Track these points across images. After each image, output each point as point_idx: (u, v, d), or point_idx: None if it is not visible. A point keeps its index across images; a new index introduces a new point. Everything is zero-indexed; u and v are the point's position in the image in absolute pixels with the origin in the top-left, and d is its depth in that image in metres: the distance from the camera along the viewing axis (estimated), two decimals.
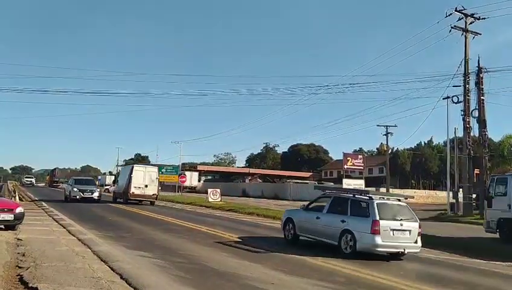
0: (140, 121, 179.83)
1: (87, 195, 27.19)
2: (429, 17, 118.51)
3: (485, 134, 24.93)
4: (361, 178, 48.42)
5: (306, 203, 12.97)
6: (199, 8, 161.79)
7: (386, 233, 10.05)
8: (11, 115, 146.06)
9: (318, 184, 40.28)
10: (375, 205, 10.32)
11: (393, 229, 10.17)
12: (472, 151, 26.05)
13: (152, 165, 39.45)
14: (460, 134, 27.32)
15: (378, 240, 9.92)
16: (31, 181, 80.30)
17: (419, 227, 10.56)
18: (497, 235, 15.13)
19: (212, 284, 6.80)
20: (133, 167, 29.79)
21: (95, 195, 27.73)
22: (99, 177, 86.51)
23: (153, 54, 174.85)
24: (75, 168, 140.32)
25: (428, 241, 12.13)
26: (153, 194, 28.47)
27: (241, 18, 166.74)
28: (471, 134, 25.93)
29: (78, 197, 26.85)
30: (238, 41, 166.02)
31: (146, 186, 27.88)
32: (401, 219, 10.39)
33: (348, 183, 45.95)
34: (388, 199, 11.10)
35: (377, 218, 10.02)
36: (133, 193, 27.37)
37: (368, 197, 10.76)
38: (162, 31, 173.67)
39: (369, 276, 7.90)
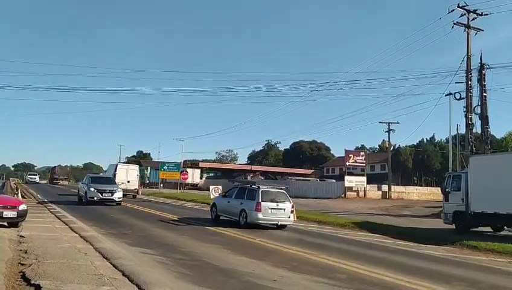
0: (142, 119, 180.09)
1: (106, 196, 22.70)
2: (432, 13, 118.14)
3: (488, 131, 24.86)
4: (363, 175, 48.34)
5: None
6: (199, 7, 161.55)
7: (266, 211, 14.63)
8: (13, 112, 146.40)
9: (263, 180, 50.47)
10: (260, 192, 14.93)
11: (271, 208, 14.76)
12: (474, 148, 25.96)
13: (133, 163, 46.21)
14: (462, 131, 27.23)
15: (260, 215, 14.55)
16: (35, 179, 76.03)
17: (292, 207, 15.27)
18: (453, 227, 16.71)
19: (214, 281, 6.82)
20: (117, 165, 34.04)
21: (116, 196, 23.10)
22: (101, 174, 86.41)
23: (154, 52, 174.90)
24: (77, 166, 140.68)
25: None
26: (134, 189, 32.67)
27: (242, 16, 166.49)
28: (474, 131, 25.84)
29: (96, 198, 22.49)
30: (240, 39, 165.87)
31: (128, 181, 31.74)
32: (277, 201, 14.93)
33: (349, 180, 45.95)
34: (271, 188, 15.98)
35: (260, 201, 14.59)
36: None
37: (256, 187, 15.57)
38: (163, 30, 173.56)
39: (369, 273, 7.90)
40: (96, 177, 26.71)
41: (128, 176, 32.00)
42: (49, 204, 22.58)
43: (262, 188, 15.53)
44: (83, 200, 23.36)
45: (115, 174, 31.26)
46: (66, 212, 17.89)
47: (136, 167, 36.31)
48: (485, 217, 15.53)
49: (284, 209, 14.96)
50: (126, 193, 29.56)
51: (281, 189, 16.20)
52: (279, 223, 15.04)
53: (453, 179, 17.72)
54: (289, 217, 15.05)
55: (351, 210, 26.89)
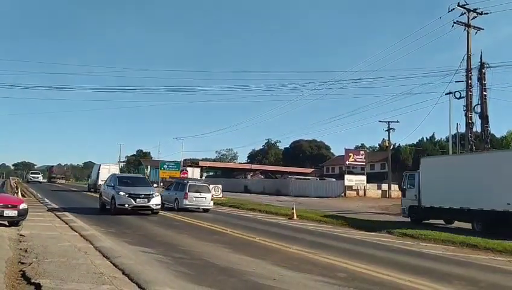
0: (142, 117, 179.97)
1: (141, 203, 17.66)
2: (432, 12, 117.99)
3: (488, 130, 24.84)
4: (363, 174, 48.35)
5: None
6: (200, 5, 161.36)
7: (192, 199, 20.70)
8: (13, 111, 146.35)
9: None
10: (188, 185, 21.10)
11: (196, 197, 20.79)
12: (474, 147, 25.96)
13: (113, 163, 53.05)
14: (462, 130, 27.23)
15: (187, 202, 20.62)
16: (38, 178, 70.14)
17: (212, 196, 21.91)
18: (409, 219, 19.05)
19: (214, 280, 6.81)
20: (100, 165, 39.25)
21: (154, 203, 17.96)
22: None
23: (155, 51, 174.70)
24: (78, 164, 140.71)
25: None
26: None
27: (243, 15, 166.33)
28: (474, 130, 25.82)
29: (127, 206, 17.39)
30: (240, 38, 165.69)
31: None
32: (200, 192, 21.07)
33: (349, 179, 45.95)
34: (197, 182, 22.83)
35: (187, 191, 20.74)
36: (99, 185, 31.66)
37: (186, 181, 21.96)
38: (164, 28, 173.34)
39: (369, 272, 7.90)
40: (124, 177, 21.15)
41: (101, 176, 37.03)
42: (48, 202, 22.58)
43: (190, 182, 21.91)
44: (108, 207, 18.44)
45: (98, 173, 37.65)
46: (66, 211, 17.88)
47: (117, 167, 44.24)
48: (433, 211, 17.89)
49: (205, 198, 21.19)
50: None
51: (205, 183, 23.37)
52: (201, 208, 21.13)
53: (409, 177, 19.94)
54: (209, 204, 21.38)
55: (351, 209, 26.89)
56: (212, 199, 21.65)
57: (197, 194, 20.87)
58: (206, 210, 20.97)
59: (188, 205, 20.56)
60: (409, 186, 19.64)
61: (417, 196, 18.55)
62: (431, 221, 18.32)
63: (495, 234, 14.24)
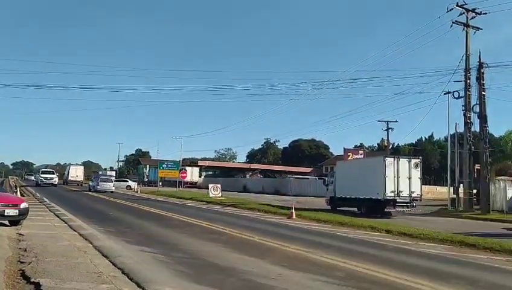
0: (141, 117, 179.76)
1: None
2: (431, 12, 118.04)
3: (486, 129, 24.87)
4: None
5: None
6: (198, 6, 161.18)
7: (102, 184, 39.65)
8: (13, 110, 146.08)
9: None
10: (100, 177, 44.45)
11: (103, 182, 40.49)
12: (473, 147, 26.01)
13: (79, 164, 73.79)
14: (461, 129, 27.27)
15: (99, 187, 39.13)
16: (52, 179, 48.93)
17: (113, 186, 40.63)
18: (329, 207, 24.92)
19: (213, 279, 6.82)
20: (70, 165, 64.07)
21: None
22: (101, 172, 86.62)
23: (154, 51, 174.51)
24: (76, 164, 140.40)
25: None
26: (80, 180, 58.31)
27: (243, 15, 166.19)
28: (472, 129, 25.87)
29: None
30: (239, 37, 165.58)
31: (77, 176, 59.64)
32: (107, 181, 41.27)
33: None
34: (104, 176, 50.48)
35: (99, 181, 41.03)
36: (70, 179, 58.55)
37: (100, 174, 58.59)
38: (164, 27, 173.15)
39: (368, 271, 7.92)
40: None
41: (77, 173, 60.30)
42: (47, 201, 22.57)
43: (101, 176, 45.03)
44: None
45: (69, 171, 61.51)
46: (65, 211, 17.89)
47: (82, 167, 66.05)
48: (342, 200, 24.12)
49: (111, 185, 39.90)
50: (76, 182, 57.34)
51: (110, 176, 49.92)
52: (109, 191, 37.92)
53: (330, 175, 27.36)
54: (113, 188, 39.87)
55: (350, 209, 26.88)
56: (114, 185, 41.17)
57: (105, 183, 40.28)
58: (112, 192, 38.50)
59: (99, 188, 38.80)
60: (330, 182, 26.24)
61: (334, 189, 25.07)
62: (343, 209, 23.52)
63: (373, 214, 21.20)
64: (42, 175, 49.68)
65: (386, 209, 21.48)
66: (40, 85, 68.53)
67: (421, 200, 23.33)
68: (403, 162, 21.94)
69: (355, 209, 23.25)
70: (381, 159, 22.08)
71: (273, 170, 79.69)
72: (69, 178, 58.76)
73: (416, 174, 22.08)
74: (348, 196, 23.55)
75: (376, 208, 21.64)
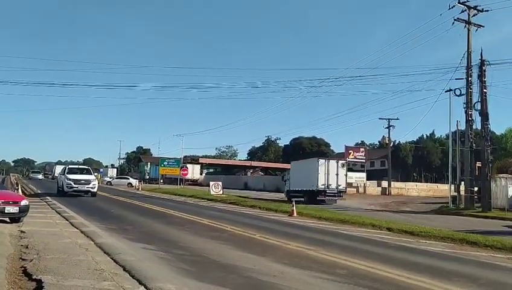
0: (142, 114, 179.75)
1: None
2: (432, 9, 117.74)
3: (487, 127, 24.83)
4: (363, 171, 48.46)
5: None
6: (201, 5, 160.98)
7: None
8: (14, 108, 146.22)
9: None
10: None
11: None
12: (474, 144, 25.97)
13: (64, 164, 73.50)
14: (462, 127, 27.24)
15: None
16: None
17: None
18: (286, 199, 29.59)
19: (214, 276, 6.83)
20: (56, 165, 70.61)
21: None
22: (101, 170, 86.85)
23: (155, 49, 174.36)
24: (77, 161, 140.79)
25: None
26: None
27: (243, 13, 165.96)
28: (474, 127, 25.83)
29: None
30: (240, 35, 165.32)
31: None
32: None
33: (349, 176, 45.87)
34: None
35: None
36: (55, 176, 57.49)
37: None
38: (163, 29, 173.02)
39: (369, 268, 7.93)
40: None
41: (56, 171, 64.96)
42: (49, 199, 22.61)
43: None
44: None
45: (55, 169, 71.40)
46: (67, 208, 17.93)
47: (62, 166, 61.61)
48: (294, 192, 29.12)
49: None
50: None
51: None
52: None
53: (287, 173, 33.69)
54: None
55: (351, 206, 26.92)
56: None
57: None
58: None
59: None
60: (287, 178, 32.54)
61: (289, 185, 31.30)
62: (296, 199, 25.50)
63: (311, 202, 26.83)
64: (70, 176, 27.18)
65: (318, 198, 28.26)
66: (40, 82, 68.15)
67: (345, 192, 30.88)
68: (332, 162, 29.49)
69: (302, 199, 27.59)
70: (316, 160, 29.56)
71: (274, 167, 79.69)
72: (56, 174, 65.93)
73: (343, 172, 29.43)
74: (297, 189, 29.82)
75: (313, 197, 28.30)
